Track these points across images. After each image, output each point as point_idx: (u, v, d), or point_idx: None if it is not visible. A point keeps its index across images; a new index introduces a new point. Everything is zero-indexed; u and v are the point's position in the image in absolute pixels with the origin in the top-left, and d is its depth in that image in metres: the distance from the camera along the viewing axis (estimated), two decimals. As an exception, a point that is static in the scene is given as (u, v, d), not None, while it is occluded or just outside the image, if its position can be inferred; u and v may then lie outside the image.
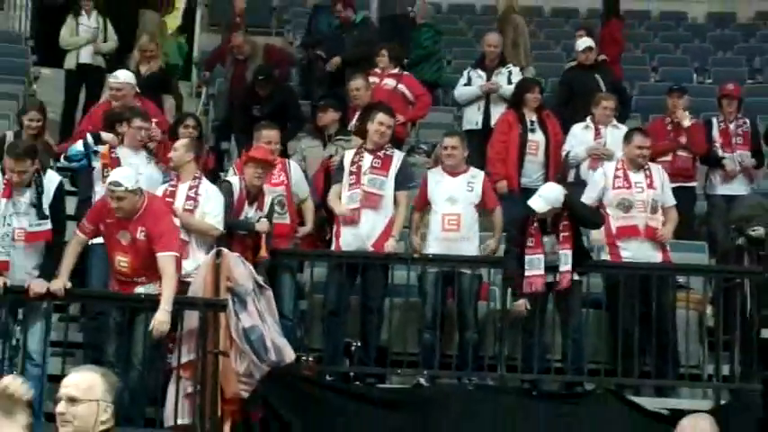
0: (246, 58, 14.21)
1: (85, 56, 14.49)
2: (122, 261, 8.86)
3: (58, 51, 15.09)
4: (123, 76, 11.35)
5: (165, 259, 8.61)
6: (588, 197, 10.32)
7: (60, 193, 9.12)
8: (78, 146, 10.13)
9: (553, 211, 9.61)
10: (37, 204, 8.92)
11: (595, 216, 9.90)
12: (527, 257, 9.61)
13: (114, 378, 4.86)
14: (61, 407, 4.66)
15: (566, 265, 9.59)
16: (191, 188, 9.55)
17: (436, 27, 15.70)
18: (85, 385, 4.69)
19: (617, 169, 10.20)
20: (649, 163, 10.36)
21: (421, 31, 15.31)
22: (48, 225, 8.93)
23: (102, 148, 9.98)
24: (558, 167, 11.53)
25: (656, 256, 10.06)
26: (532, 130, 11.69)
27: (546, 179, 11.17)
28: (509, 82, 12.70)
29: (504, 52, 13.85)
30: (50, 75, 15.45)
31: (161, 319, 8.51)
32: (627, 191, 10.07)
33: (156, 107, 11.73)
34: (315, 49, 15.08)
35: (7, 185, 8.92)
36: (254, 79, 13.11)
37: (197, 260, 9.20)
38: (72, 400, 4.66)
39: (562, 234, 9.63)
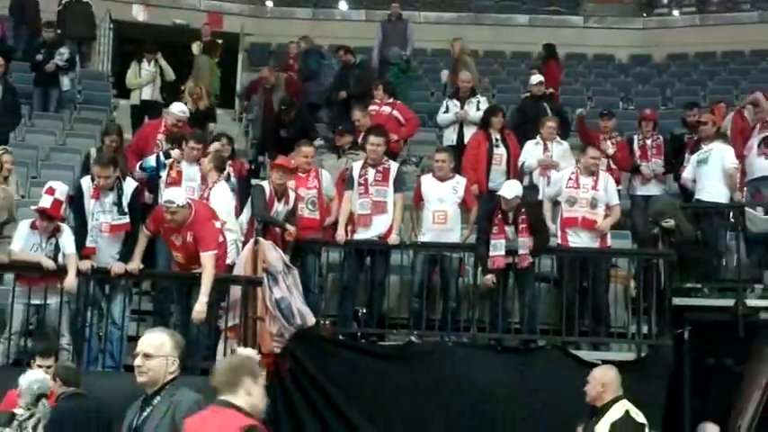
0: (272, 88, 14.16)
1: (147, 93, 14.38)
2: (178, 256, 8.87)
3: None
4: (185, 110, 11.35)
5: (205, 258, 8.55)
6: (549, 192, 10.40)
7: (136, 195, 9.11)
8: (152, 160, 10.10)
9: (515, 201, 9.63)
10: (118, 203, 8.93)
11: (544, 233, 9.90)
12: (492, 242, 9.60)
13: (179, 337, 4.91)
14: (138, 360, 4.72)
15: (523, 249, 9.60)
16: (204, 190, 9.66)
17: (400, 66, 15.66)
18: (157, 343, 4.74)
19: (572, 173, 10.19)
20: (601, 171, 10.33)
21: (389, 68, 15.48)
22: (126, 220, 8.93)
23: (170, 160, 10.00)
24: (516, 174, 11.51)
25: (594, 243, 10.03)
26: (497, 146, 11.67)
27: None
28: (477, 109, 12.71)
29: (455, 84, 13.99)
30: (126, 105, 15.40)
31: (199, 310, 8.45)
32: (575, 190, 10.06)
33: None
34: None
35: (96, 189, 8.94)
36: (280, 108, 13.10)
37: None
38: (147, 356, 4.72)
39: (521, 225, 9.63)
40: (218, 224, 8.94)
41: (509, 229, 9.64)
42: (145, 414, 4.72)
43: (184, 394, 4.79)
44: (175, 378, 4.79)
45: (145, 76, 14.35)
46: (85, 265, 8.67)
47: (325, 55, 16.29)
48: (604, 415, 6.87)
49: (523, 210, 9.70)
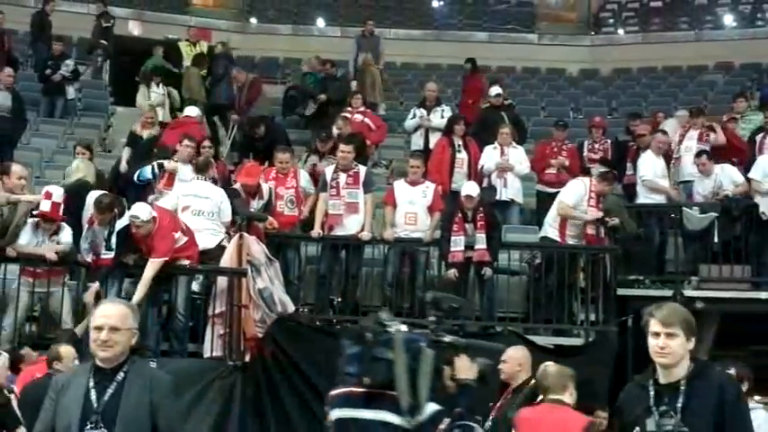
0: (242, 87, 14.17)
1: (160, 115, 13.40)
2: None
3: (129, 94, 14.92)
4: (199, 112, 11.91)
5: (150, 263, 8.44)
6: (569, 200, 10.00)
7: (125, 231, 8.71)
8: (147, 171, 10.08)
9: (475, 200, 9.61)
10: (107, 240, 8.78)
11: (498, 231, 9.96)
12: (452, 238, 9.62)
13: (137, 309, 4.54)
14: (104, 335, 4.16)
15: (480, 243, 9.60)
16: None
17: (317, 75, 15.41)
18: (123, 315, 4.23)
19: (591, 192, 9.96)
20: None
21: (306, 76, 15.41)
22: (110, 255, 8.71)
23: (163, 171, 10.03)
24: (476, 177, 11.52)
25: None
26: (459, 151, 11.64)
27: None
28: (442, 117, 12.75)
29: (363, 93, 14.33)
30: (123, 112, 15.29)
31: (91, 293, 8.45)
32: (593, 209, 9.95)
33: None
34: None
35: (92, 219, 8.86)
36: (250, 128, 12.83)
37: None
38: (114, 329, 4.18)
39: (479, 223, 9.65)
40: (177, 235, 8.73)
41: (468, 227, 9.66)
42: (110, 392, 4.12)
43: (156, 373, 4.41)
44: (137, 349, 4.36)
45: (155, 99, 13.92)
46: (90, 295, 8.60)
47: (235, 61, 16.05)
48: (522, 392, 6.63)
49: (481, 208, 9.71)
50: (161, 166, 10.02)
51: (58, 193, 8.97)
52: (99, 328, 4.15)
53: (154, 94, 13.94)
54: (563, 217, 9.97)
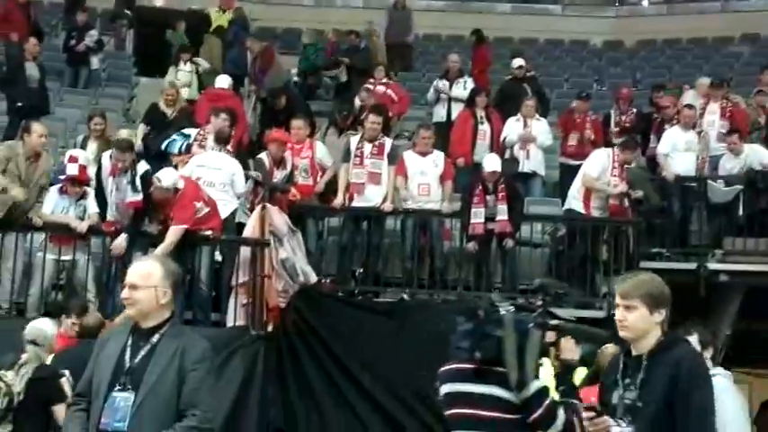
0: (256, 56, 14.19)
1: (186, 94, 13.31)
2: None
3: (152, 64, 14.89)
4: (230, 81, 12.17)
5: (171, 229, 8.44)
6: (593, 172, 9.98)
7: (146, 176, 8.84)
8: (175, 147, 10.02)
9: (497, 174, 9.55)
10: (132, 182, 8.83)
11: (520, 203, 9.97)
12: (473, 210, 9.59)
13: (172, 266, 4.15)
14: (125, 292, 4.05)
15: (502, 215, 9.56)
16: None
17: (317, 45, 15.46)
18: (145, 273, 4.03)
19: (615, 163, 9.94)
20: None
21: (307, 48, 15.38)
22: (139, 197, 8.78)
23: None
24: (498, 149, 11.45)
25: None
26: (482, 123, 11.59)
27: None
28: (464, 88, 12.68)
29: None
30: (147, 82, 15.28)
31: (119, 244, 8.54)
32: (617, 179, 9.90)
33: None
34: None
35: (113, 168, 8.91)
36: (271, 99, 12.82)
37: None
38: (133, 287, 4.02)
39: (500, 194, 9.61)
40: (199, 205, 8.72)
41: (490, 198, 9.62)
42: (143, 353, 3.95)
43: (192, 338, 4.09)
44: (173, 315, 4.09)
45: (182, 78, 13.67)
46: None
47: (249, 29, 15.93)
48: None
49: (502, 179, 9.67)
50: (188, 148, 9.95)
51: (83, 156, 9.05)
52: (124, 285, 4.09)
53: (181, 73, 13.75)
54: (588, 188, 9.91)
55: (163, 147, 10.22)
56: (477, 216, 9.56)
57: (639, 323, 3.82)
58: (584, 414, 3.84)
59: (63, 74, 14.74)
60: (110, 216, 8.97)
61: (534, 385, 4.17)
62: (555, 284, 4.56)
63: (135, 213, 8.80)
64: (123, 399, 3.88)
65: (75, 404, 4.13)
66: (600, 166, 9.96)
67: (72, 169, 8.80)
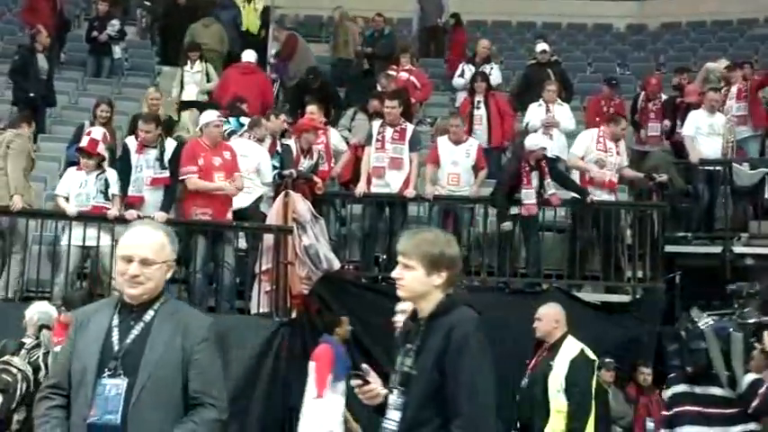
0: (282, 45, 14.18)
1: (190, 94, 12.85)
2: (220, 176, 8.86)
3: (175, 54, 14.80)
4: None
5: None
6: (576, 151, 10.10)
7: (176, 153, 8.98)
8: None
9: (539, 153, 9.57)
10: (160, 159, 8.94)
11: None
12: (523, 191, 9.52)
13: (173, 234, 3.56)
14: (135, 269, 3.37)
15: (551, 189, 9.59)
16: None
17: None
18: (158, 246, 3.41)
19: (599, 136, 9.94)
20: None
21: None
22: (166, 174, 8.91)
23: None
24: (501, 133, 11.43)
25: (611, 198, 10.01)
26: (477, 108, 11.52)
27: (489, 140, 11.21)
28: (489, 74, 12.66)
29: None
30: (168, 71, 15.26)
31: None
32: (603, 153, 9.89)
33: None
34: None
35: (140, 145, 9.00)
36: (307, 77, 12.80)
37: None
38: (146, 263, 3.38)
39: (545, 172, 9.61)
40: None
41: (534, 176, 9.57)
42: (135, 334, 3.38)
43: (192, 314, 3.57)
44: (165, 288, 3.51)
45: (188, 79, 12.89)
46: (132, 214, 8.62)
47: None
48: (558, 351, 6.56)
49: (544, 158, 9.69)
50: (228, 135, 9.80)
51: (97, 131, 9.13)
52: (127, 259, 3.38)
53: (188, 74, 12.89)
54: (576, 169, 9.99)
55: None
56: (529, 197, 9.52)
57: (415, 284, 3.54)
58: (352, 382, 3.72)
59: (86, 64, 14.74)
60: (134, 193, 8.94)
61: (746, 380, 4.85)
62: (746, 286, 5.51)
63: (166, 191, 8.86)
64: (114, 387, 3.32)
65: (48, 398, 3.46)
66: (583, 146, 10.03)
67: (83, 141, 8.96)
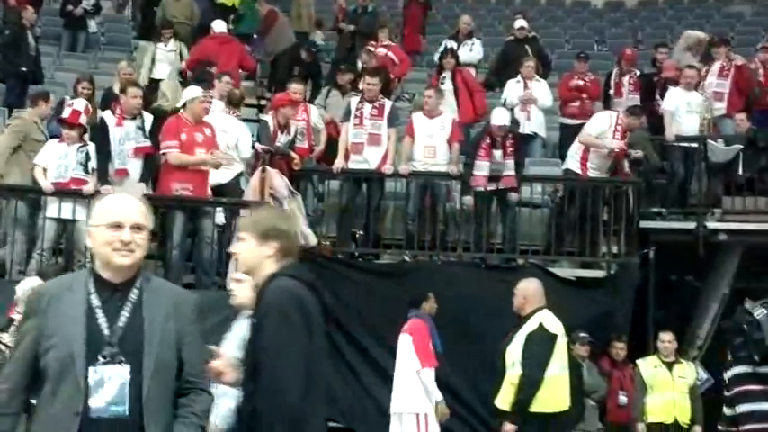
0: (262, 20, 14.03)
1: (162, 73, 12.48)
2: (201, 151, 8.86)
3: (152, 28, 14.67)
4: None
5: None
6: (591, 131, 9.95)
7: (154, 125, 9.10)
8: None
9: (505, 128, 9.51)
10: (141, 128, 9.02)
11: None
12: (476, 163, 9.53)
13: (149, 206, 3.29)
14: (127, 235, 3.08)
15: (509, 170, 9.52)
16: None
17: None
18: (144, 212, 3.18)
19: (618, 125, 9.82)
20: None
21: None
22: (149, 143, 8.97)
23: None
24: (472, 107, 11.30)
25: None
26: (442, 83, 11.44)
27: (458, 114, 10.96)
28: (471, 50, 12.65)
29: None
30: (145, 45, 15.15)
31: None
32: (618, 142, 9.83)
33: None
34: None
35: (120, 117, 8.99)
36: (305, 47, 12.83)
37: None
38: (137, 229, 3.11)
39: (508, 149, 9.57)
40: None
41: (497, 153, 9.56)
42: (126, 315, 3.08)
43: (178, 291, 3.34)
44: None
45: (160, 57, 12.54)
46: (108, 190, 8.56)
47: None
48: (523, 325, 6.77)
49: (511, 135, 9.63)
50: None
51: (79, 103, 9.13)
52: (117, 226, 3.09)
53: (161, 52, 12.59)
54: (584, 145, 9.86)
55: None
56: (481, 169, 9.53)
57: (247, 254, 3.71)
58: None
59: (60, 38, 14.59)
60: (120, 166, 8.92)
61: None
62: None
63: (146, 162, 8.89)
64: (117, 375, 3.02)
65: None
66: (599, 128, 9.93)
67: (65, 113, 8.93)
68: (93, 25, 14.66)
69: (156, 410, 3.04)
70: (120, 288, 3.12)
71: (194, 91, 9.04)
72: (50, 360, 3.04)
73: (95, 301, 3.08)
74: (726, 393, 5.78)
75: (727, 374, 5.73)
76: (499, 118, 9.66)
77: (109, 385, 3.00)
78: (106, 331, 3.06)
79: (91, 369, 3.00)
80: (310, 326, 3.56)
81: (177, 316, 3.15)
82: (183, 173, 8.75)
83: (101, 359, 3.02)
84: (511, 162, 9.53)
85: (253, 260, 3.69)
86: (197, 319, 3.24)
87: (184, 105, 8.94)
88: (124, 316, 3.08)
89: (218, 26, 12.56)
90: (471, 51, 12.52)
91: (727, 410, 5.72)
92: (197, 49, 12.46)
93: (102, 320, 3.06)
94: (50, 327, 3.06)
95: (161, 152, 8.79)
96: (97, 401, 2.99)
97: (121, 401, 3.00)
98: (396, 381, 7.93)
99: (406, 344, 7.84)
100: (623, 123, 9.88)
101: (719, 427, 5.87)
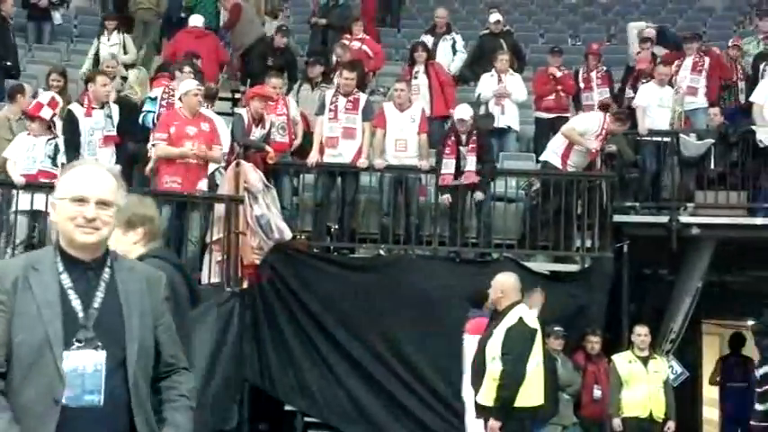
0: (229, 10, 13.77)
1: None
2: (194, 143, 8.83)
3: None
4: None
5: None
6: (578, 125, 9.96)
7: (122, 114, 9.28)
8: (150, 120, 9.52)
9: (468, 124, 9.51)
10: (110, 116, 9.11)
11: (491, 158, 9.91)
12: (443, 161, 9.54)
13: (121, 180, 3.06)
14: (91, 211, 2.86)
15: (470, 166, 9.52)
16: None
17: None
18: (113, 187, 2.94)
19: (602, 128, 9.77)
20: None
21: None
22: (115, 132, 9.07)
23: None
24: (444, 101, 11.22)
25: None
26: (416, 77, 11.44)
27: (431, 110, 10.93)
28: (453, 45, 12.61)
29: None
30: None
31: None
32: (604, 143, 9.84)
33: None
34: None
35: (88, 108, 9.01)
36: (278, 30, 12.79)
37: None
38: (103, 205, 2.89)
39: (470, 146, 9.56)
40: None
41: (463, 150, 9.56)
42: (100, 296, 2.85)
43: (148, 270, 3.10)
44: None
45: (103, 51, 12.19)
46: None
47: None
48: (502, 320, 6.74)
49: (475, 132, 9.61)
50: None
51: (44, 96, 9.10)
52: (81, 200, 2.86)
53: (104, 46, 12.32)
54: (568, 139, 9.85)
55: (142, 123, 9.62)
56: (447, 167, 9.53)
57: (116, 244, 3.46)
58: None
59: (25, 29, 14.30)
60: (90, 156, 8.82)
61: None
62: None
63: (117, 148, 8.94)
64: (93, 361, 2.79)
65: None
66: (586, 127, 9.91)
67: (30, 105, 8.95)
68: (57, 17, 14.47)
69: (142, 399, 2.84)
70: (94, 267, 2.89)
71: (188, 84, 8.96)
72: (21, 345, 2.78)
73: (66, 281, 2.84)
74: (757, 390, 6.28)
75: (759, 372, 6.27)
76: (461, 113, 9.66)
77: (84, 373, 2.76)
78: (81, 314, 2.82)
79: (64, 353, 2.75)
80: (178, 305, 3.73)
81: (150, 295, 2.95)
82: (171, 166, 8.69)
83: (75, 344, 2.77)
84: (472, 158, 9.52)
85: (122, 248, 3.56)
86: (167, 295, 3.07)
87: (180, 99, 8.91)
88: (99, 297, 2.85)
89: (195, 20, 12.47)
90: (455, 45, 12.54)
91: (758, 406, 6.00)
92: (172, 43, 12.39)
93: (75, 303, 2.82)
94: (19, 310, 2.80)
95: (152, 143, 8.79)
96: (73, 390, 2.75)
97: (96, 390, 2.76)
98: (465, 383, 7.63)
99: (473, 345, 7.43)
100: (608, 128, 9.87)
101: (752, 422, 6.09)
